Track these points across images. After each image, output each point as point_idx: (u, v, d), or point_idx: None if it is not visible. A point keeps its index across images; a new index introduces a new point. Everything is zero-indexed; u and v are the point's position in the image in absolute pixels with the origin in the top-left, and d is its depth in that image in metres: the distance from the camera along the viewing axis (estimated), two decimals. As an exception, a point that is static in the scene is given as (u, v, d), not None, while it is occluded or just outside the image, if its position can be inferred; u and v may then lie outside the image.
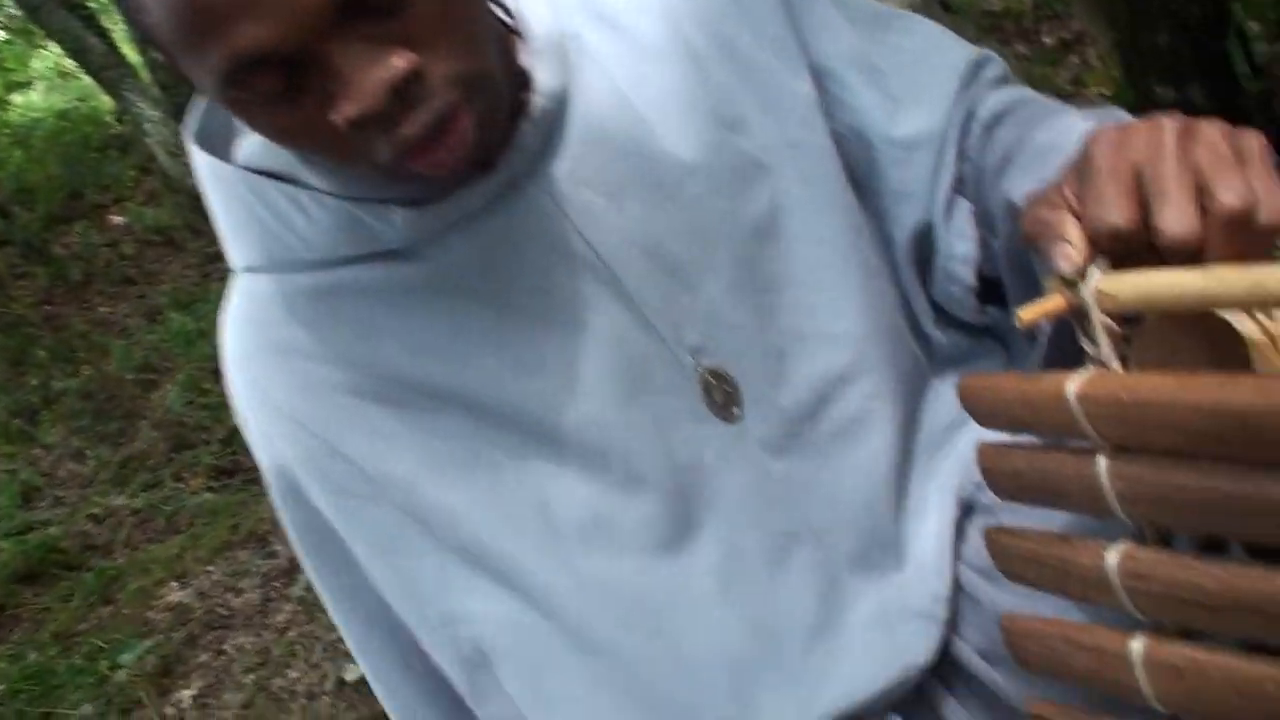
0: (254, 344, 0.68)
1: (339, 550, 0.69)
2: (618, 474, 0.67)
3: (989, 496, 0.72)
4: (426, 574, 0.66)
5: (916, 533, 0.73)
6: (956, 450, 0.75)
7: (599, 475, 0.67)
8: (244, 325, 0.69)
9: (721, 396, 0.69)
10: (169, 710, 2.54)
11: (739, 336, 0.69)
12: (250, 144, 0.68)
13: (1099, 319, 0.54)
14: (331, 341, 0.66)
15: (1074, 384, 0.53)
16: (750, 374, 0.69)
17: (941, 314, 0.79)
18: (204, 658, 2.68)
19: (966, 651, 0.71)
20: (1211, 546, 0.54)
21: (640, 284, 0.67)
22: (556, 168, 0.67)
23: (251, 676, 2.51)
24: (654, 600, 0.68)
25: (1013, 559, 0.60)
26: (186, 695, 2.56)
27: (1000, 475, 0.59)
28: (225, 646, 2.68)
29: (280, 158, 0.66)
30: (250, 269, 0.69)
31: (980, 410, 0.59)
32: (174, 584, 3.05)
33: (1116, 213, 0.51)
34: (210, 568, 3.03)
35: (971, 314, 0.77)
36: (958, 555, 0.73)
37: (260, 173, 0.66)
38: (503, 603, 0.67)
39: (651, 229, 0.68)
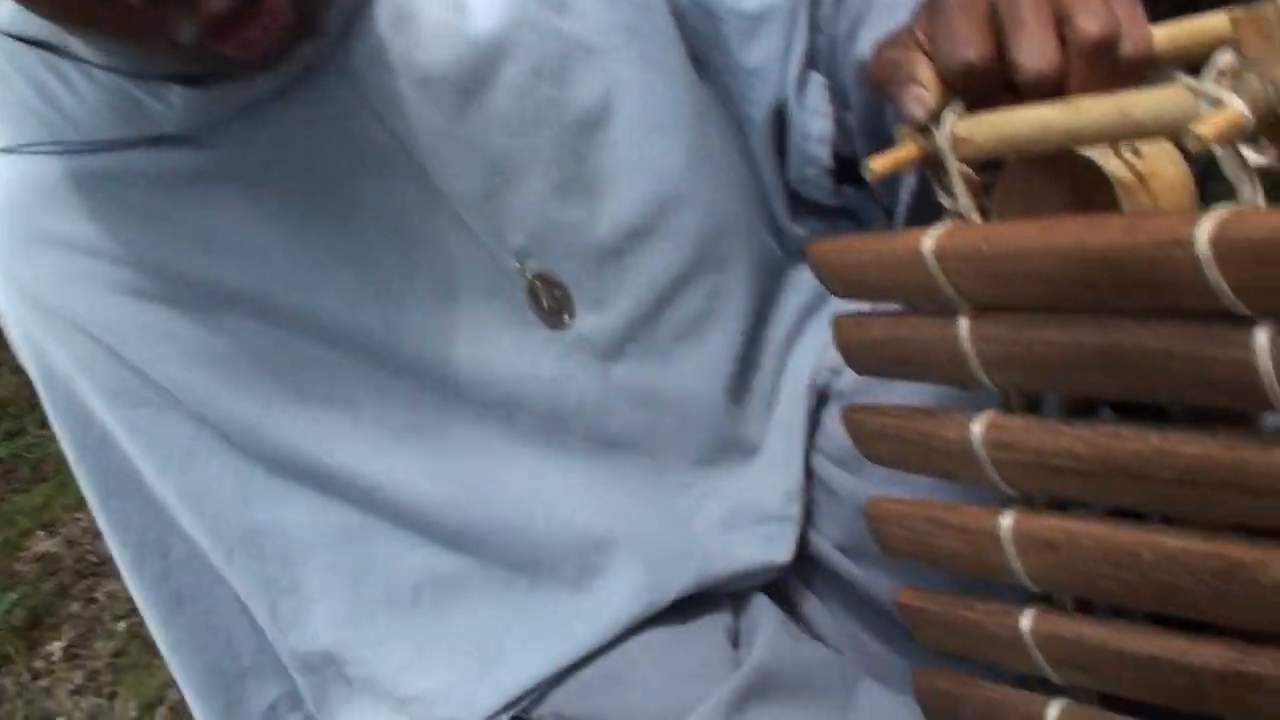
0: (18, 234, 0.59)
1: (122, 469, 0.61)
2: (434, 383, 0.61)
3: (846, 382, 0.68)
4: (225, 488, 0.60)
5: (767, 429, 0.68)
6: (811, 339, 0.71)
7: (413, 382, 0.61)
8: (5, 213, 0.60)
9: (550, 302, 0.63)
10: (38, 664, 2.44)
11: (568, 236, 0.63)
12: (5, 5, 0.59)
13: (955, 167, 0.49)
14: (110, 234, 0.58)
15: (930, 239, 0.48)
16: (582, 277, 0.63)
17: (799, 203, 0.73)
18: (74, 608, 2.57)
19: (825, 547, 0.67)
20: (1080, 411, 0.50)
21: (454, 180, 0.60)
22: (358, 53, 0.60)
23: (124, 624, 2.42)
24: (492, 491, 0.62)
25: (872, 438, 0.55)
26: (57, 647, 2.45)
27: (858, 348, 0.54)
28: (96, 594, 2.57)
29: (42, 22, 0.57)
30: (12, 149, 0.60)
31: (833, 278, 0.53)
32: (41, 533, 2.91)
33: (969, 47, 0.46)
34: (79, 515, 2.90)
35: (828, 195, 0.72)
36: (814, 447, 0.69)
37: (17, 38, 0.57)
38: (314, 509, 0.60)
39: (466, 120, 0.61)
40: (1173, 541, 0.45)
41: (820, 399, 0.70)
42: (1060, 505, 0.50)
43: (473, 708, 0.61)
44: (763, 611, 0.65)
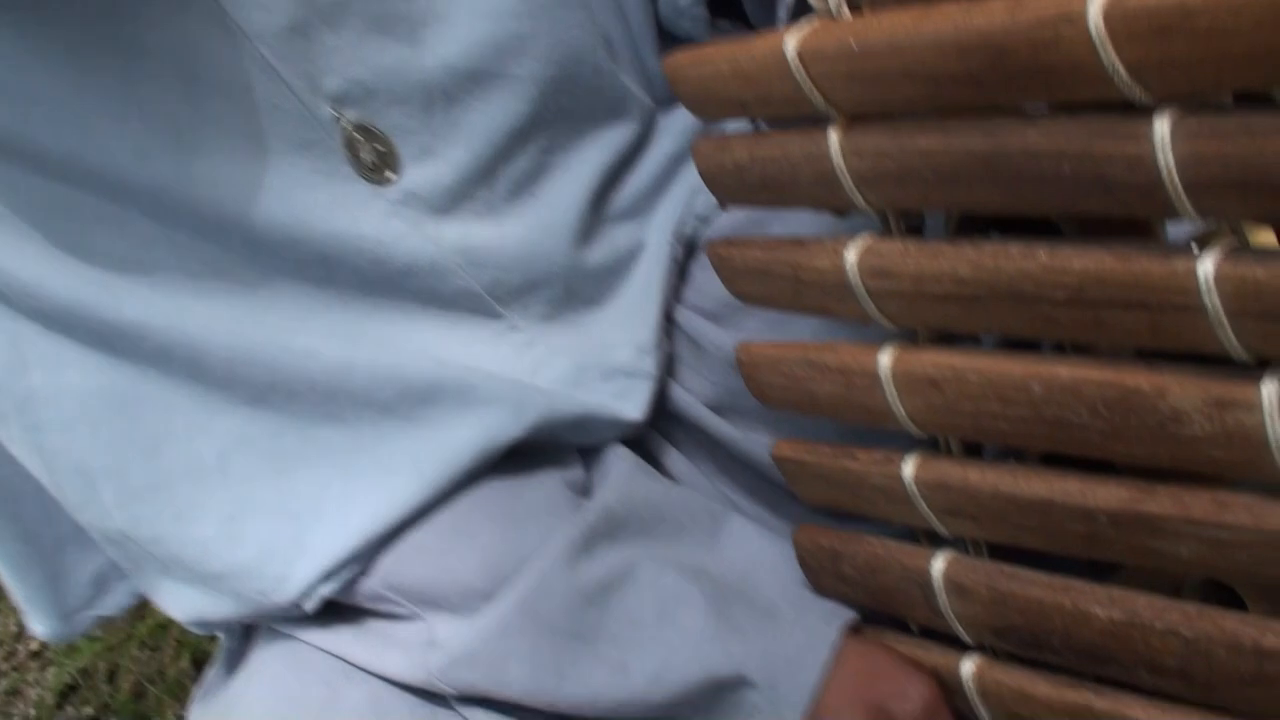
0: None
1: None
2: (239, 241, 0.54)
3: (717, 231, 0.63)
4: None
5: (621, 282, 0.63)
6: (679, 187, 0.65)
7: (215, 240, 0.54)
8: None
9: (372, 156, 0.55)
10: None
11: (391, 81, 0.55)
12: None
13: (822, -46, 0.43)
14: None
15: (794, 39, 0.42)
16: (408, 127, 0.56)
17: (672, 45, 0.66)
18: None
19: (693, 405, 0.62)
20: (964, 231, 0.44)
21: (256, 14, 0.52)
22: None
23: None
24: (304, 343, 0.56)
25: (740, 275, 0.49)
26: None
27: (720, 173, 0.48)
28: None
29: None
30: None
31: (691, 95, 0.47)
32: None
33: None
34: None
35: (703, 29, 0.65)
36: (679, 299, 0.63)
37: None
38: (101, 372, 0.53)
39: None
40: (1065, 371, 0.40)
41: (688, 250, 0.64)
42: (946, 340, 0.45)
43: (288, 580, 0.55)
44: (615, 459, 0.60)
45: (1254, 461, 0.36)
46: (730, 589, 0.55)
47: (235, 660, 0.60)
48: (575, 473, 0.59)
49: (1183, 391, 0.37)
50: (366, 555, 0.55)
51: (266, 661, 0.58)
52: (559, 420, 0.58)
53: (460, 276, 0.58)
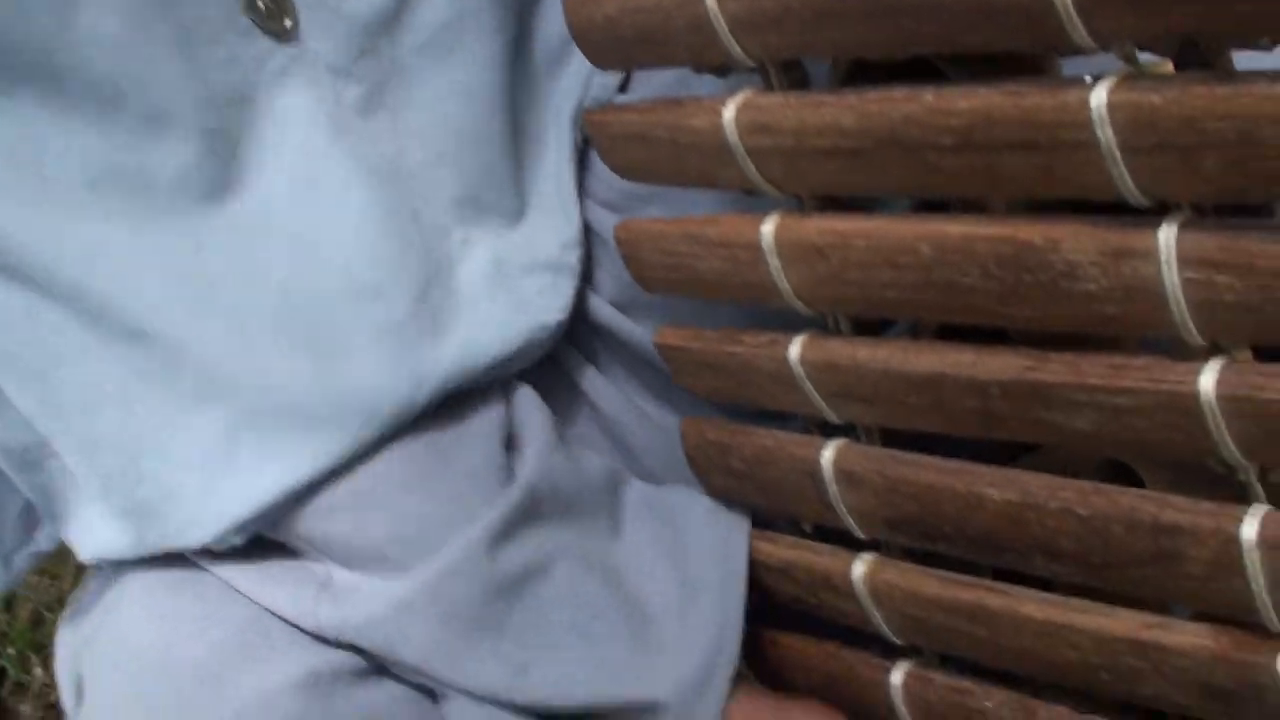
0: None
1: None
2: (136, 112, 0.49)
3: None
4: None
5: (536, 168, 0.58)
6: (578, 64, 0.61)
7: (111, 116, 0.49)
8: None
9: (267, 4, 0.51)
10: None
11: None
12: None
13: None
14: None
15: None
16: None
17: None
18: None
19: (599, 304, 0.58)
20: (851, 84, 0.41)
21: None
22: None
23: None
24: (200, 266, 0.51)
25: (618, 143, 0.46)
26: None
27: (591, 29, 0.44)
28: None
29: None
30: None
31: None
32: None
33: None
34: None
35: None
36: (584, 191, 0.59)
37: None
38: None
39: None
40: (955, 230, 0.37)
41: (587, 139, 0.60)
42: (833, 206, 0.42)
43: (195, 527, 0.51)
44: (531, 414, 0.56)
45: (1151, 316, 0.34)
46: (639, 598, 0.52)
47: (108, 577, 0.56)
48: (497, 414, 0.55)
49: (1076, 243, 0.34)
50: (280, 510, 0.51)
51: (141, 579, 0.54)
52: (484, 348, 0.54)
53: (364, 143, 0.53)
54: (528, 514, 0.52)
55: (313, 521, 0.51)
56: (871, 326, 0.44)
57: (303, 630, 0.51)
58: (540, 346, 0.57)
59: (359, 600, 0.50)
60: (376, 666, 0.51)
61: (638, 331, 0.58)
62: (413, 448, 0.52)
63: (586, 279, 0.59)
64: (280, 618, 0.51)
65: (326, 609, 0.50)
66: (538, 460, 0.54)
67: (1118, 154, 0.32)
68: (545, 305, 0.56)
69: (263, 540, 0.52)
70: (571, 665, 0.50)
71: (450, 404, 0.53)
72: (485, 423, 0.54)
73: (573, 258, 0.57)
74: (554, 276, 0.57)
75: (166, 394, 0.51)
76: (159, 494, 0.52)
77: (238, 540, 0.51)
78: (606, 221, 0.58)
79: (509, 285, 0.56)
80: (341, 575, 0.51)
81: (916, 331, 0.45)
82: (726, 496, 0.51)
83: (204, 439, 0.51)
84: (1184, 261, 0.32)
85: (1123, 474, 0.43)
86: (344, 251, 0.53)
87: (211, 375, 0.51)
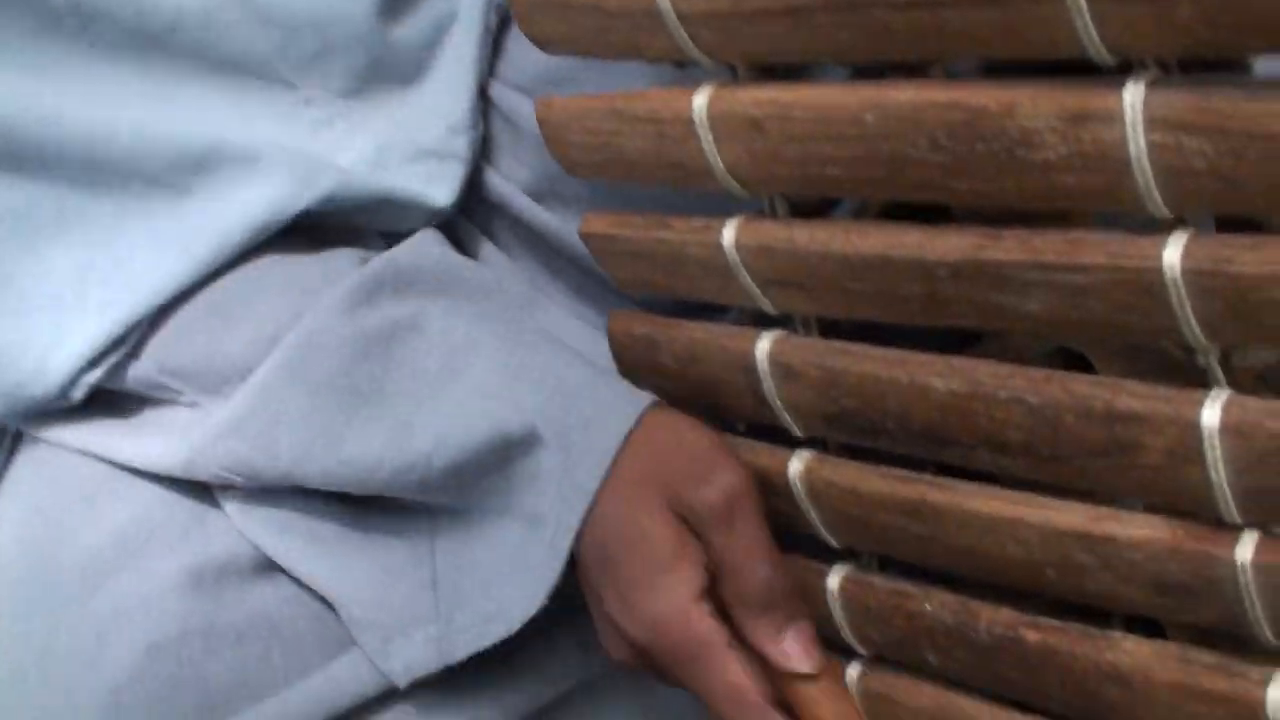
0: None
1: None
2: None
3: None
4: None
5: (433, 55, 0.55)
6: None
7: None
8: None
9: None
10: None
11: None
12: None
13: None
14: None
15: None
16: None
17: None
18: None
19: (510, 190, 0.55)
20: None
21: None
22: None
23: None
24: (45, 126, 0.48)
25: (539, 12, 0.42)
26: None
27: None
28: None
29: None
30: None
31: None
32: None
33: None
34: None
35: None
36: (495, 73, 0.56)
37: None
38: None
39: None
40: (903, 96, 0.34)
41: (503, 19, 0.57)
42: (769, 76, 0.39)
43: (47, 369, 0.48)
44: (420, 233, 0.53)
45: (1113, 185, 0.31)
46: (528, 337, 0.48)
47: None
48: (372, 250, 0.52)
49: (1034, 107, 0.32)
50: (132, 338, 0.48)
51: (21, 475, 0.52)
52: (356, 200, 0.51)
53: (243, 35, 0.50)
54: (392, 282, 0.49)
55: (171, 345, 0.50)
56: (811, 209, 0.41)
57: (190, 515, 0.49)
58: (421, 219, 0.54)
59: (226, 410, 0.47)
60: (267, 562, 0.48)
61: (551, 220, 0.55)
62: (271, 259, 0.51)
63: (493, 164, 0.56)
64: (169, 496, 0.49)
65: (197, 432, 0.47)
66: (409, 244, 0.52)
67: (1084, 3, 0.29)
68: (428, 192, 0.54)
69: (144, 404, 0.51)
70: (451, 406, 0.45)
71: (316, 233, 0.51)
72: (360, 239, 0.53)
73: (460, 143, 0.55)
74: (438, 163, 0.54)
75: (25, 235, 0.50)
76: (4, 340, 0.49)
77: (94, 379, 0.49)
78: (521, 106, 0.55)
79: (392, 170, 0.54)
80: (206, 402, 0.49)
81: (859, 214, 0.43)
82: (656, 395, 0.49)
83: (53, 276, 0.50)
84: (1151, 123, 0.30)
85: (1073, 368, 0.41)
86: (197, 123, 0.51)
87: (66, 211, 0.49)
